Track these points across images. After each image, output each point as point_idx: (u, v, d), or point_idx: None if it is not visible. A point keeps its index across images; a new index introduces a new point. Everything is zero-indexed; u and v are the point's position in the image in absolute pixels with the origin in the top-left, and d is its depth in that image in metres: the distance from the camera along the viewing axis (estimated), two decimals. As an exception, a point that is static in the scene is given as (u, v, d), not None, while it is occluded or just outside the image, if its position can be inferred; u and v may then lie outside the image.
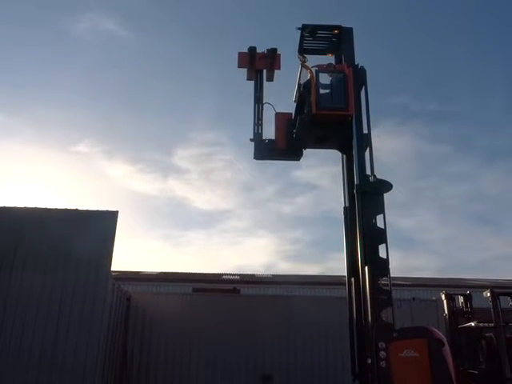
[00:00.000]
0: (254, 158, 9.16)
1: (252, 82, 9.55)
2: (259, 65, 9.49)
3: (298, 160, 9.51)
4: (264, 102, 9.43)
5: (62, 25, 54.29)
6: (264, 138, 9.22)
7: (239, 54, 9.56)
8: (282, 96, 10.78)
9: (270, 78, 9.72)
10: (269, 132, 9.30)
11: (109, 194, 58.53)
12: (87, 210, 9.79)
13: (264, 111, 9.35)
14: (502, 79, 58.59)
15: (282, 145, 9.15)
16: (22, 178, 57.28)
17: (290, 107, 9.75)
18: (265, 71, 9.58)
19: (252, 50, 9.40)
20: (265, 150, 9.17)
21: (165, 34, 59.25)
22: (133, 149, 61.76)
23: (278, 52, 9.52)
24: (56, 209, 9.81)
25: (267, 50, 9.46)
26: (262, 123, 9.30)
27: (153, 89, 58.77)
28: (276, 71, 9.61)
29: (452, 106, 57.31)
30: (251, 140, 9.16)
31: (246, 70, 9.54)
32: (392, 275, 7.65)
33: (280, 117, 9.43)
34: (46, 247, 9.31)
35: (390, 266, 7.61)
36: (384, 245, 7.69)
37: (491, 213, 59.94)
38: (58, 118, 56.05)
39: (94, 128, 57.45)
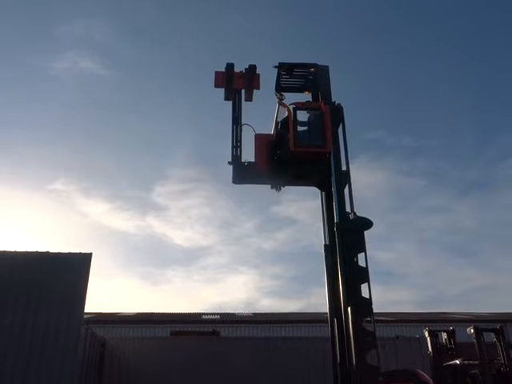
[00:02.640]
0: (233, 182, 8.68)
1: (230, 103, 9.13)
2: (237, 84, 9.12)
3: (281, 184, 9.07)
4: (243, 122, 9.01)
5: (40, 63, 54.49)
6: (243, 160, 8.75)
7: (216, 73, 9.20)
8: (261, 116, 10.36)
9: (249, 98, 9.35)
10: (248, 154, 8.85)
11: (86, 232, 57.46)
12: (59, 253, 9.32)
13: (243, 132, 8.91)
14: (471, 116, 60.55)
15: (263, 168, 8.70)
16: (-2, 220, 55.74)
17: (270, 128, 9.39)
18: (243, 91, 9.22)
19: (229, 67, 9.06)
20: (244, 174, 8.70)
21: (143, 72, 59.87)
22: (111, 186, 61.32)
23: (258, 71, 9.17)
24: (26, 252, 9.34)
25: (245, 69, 9.13)
26: (240, 145, 8.84)
27: (131, 126, 58.88)
28: (255, 91, 9.27)
29: (425, 140, 58.71)
30: (229, 163, 8.69)
31: (223, 90, 9.15)
32: (374, 310, 7.45)
33: (260, 138, 9.00)
34: (14, 293, 8.80)
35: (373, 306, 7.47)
36: (366, 284, 7.53)
37: (468, 245, 60.73)
38: (35, 156, 55.45)
39: (71, 166, 56.96)
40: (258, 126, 9.15)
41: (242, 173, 8.71)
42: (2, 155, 54.72)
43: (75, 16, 54.61)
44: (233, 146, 8.82)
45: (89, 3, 53.28)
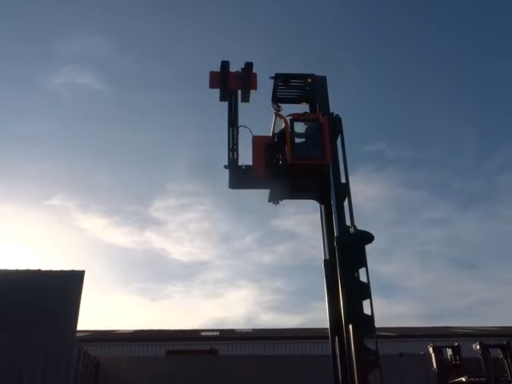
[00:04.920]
0: (229, 187, 8.31)
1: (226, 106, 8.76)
2: (233, 84, 8.76)
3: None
4: (240, 124, 8.63)
5: (36, 79, 54.38)
6: (240, 164, 8.37)
7: (211, 73, 8.85)
8: (259, 118, 9.87)
9: (246, 99, 9.00)
10: (245, 158, 8.46)
11: (84, 248, 56.98)
12: (50, 271, 9.05)
13: (240, 135, 8.52)
14: (473, 127, 60.47)
15: (261, 171, 8.31)
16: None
17: (269, 130, 9.01)
18: (240, 91, 8.87)
19: (225, 64, 8.69)
20: (241, 178, 8.31)
21: (139, 87, 59.78)
22: (108, 201, 60.74)
23: (254, 70, 8.82)
24: (16, 270, 9.07)
25: (242, 68, 8.78)
26: (237, 148, 8.44)
27: (129, 140, 58.51)
28: (252, 91, 8.93)
29: (426, 152, 58.48)
30: (225, 167, 8.31)
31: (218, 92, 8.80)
32: (376, 325, 7.19)
33: (258, 140, 8.60)
34: (4, 312, 8.49)
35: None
36: (368, 300, 7.26)
37: (470, 257, 60.12)
38: (32, 171, 55.11)
39: (68, 181, 56.33)
40: (255, 127, 8.77)
41: (239, 177, 8.34)
42: (-2, 171, 54.45)
43: (72, 31, 54.70)
44: (229, 149, 8.45)
45: (85, 19, 53.40)
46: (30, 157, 54.61)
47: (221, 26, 57.50)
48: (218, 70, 8.83)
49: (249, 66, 8.80)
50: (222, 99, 8.92)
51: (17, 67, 52.65)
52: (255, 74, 8.94)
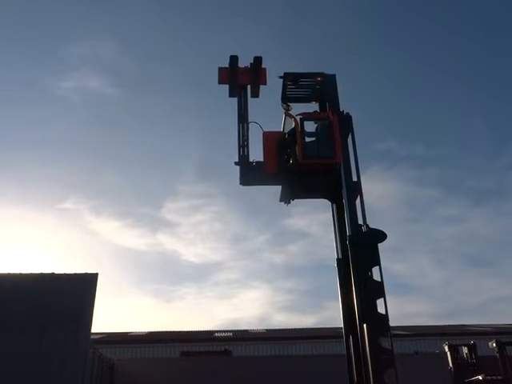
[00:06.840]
0: (240, 183, 8.26)
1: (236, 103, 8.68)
2: (242, 79, 8.69)
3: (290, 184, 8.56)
4: (250, 120, 8.56)
5: (47, 84, 54.79)
6: (251, 160, 8.30)
7: (220, 69, 8.78)
8: (270, 114, 9.76)
9: (256, 94, 8.92)
10: (256, 155, 8.37)
11: (97, 250, 57.27)
12: (64, 274, 9.12)
13: (250, 131, 8.45)
14: (485, 123, 59.76)
15: (272, 167, 8.22)
16: (8, 241, 55.81)
17: (279, 125, 8.95)
18: (249, 87, 8.81)
19: (233, 59, 8.61)
20: (252, 174, 8.24)
21: (148, 89, 59.82)
22: (120, 204, 60.98)
23: (264, 65, 8.73)
24: (31, 273, 9.15)
25: (251, 63, 8.70)
26: (247, 144, 8.36)
27: (139, 143, 58.75)
28: (262, 86, 8.87)
29: (438, 149, 57.96)
30: (236, 163, 8.25)
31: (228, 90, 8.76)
32: (390, 324, 7.12)
33: (268, 136, 8.52)
34: (19, 316, 8.58)
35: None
36: (382, 299, 7.21)
37: (484, 254, 59.45)
38: (44, 175, 55.58)
39: (80, 184, 56.77)
40: (265, 123, 8.66)
41: (250, 173, 8.28)
42: (11, 175, 54.94)
43: (81, 36, 55.12)
44: (239, 146, 8.37)
45: (94, 23, 53.73)
46: (41, 161, 55.06)
47: (227, 27, 57.57)
48: (227, 66, 8.75)
49: (258, 60, 8.70)
50: (231, 95, 8.85)
51: (28, 72, 53.11)
52: (264, 68, 8.86)
